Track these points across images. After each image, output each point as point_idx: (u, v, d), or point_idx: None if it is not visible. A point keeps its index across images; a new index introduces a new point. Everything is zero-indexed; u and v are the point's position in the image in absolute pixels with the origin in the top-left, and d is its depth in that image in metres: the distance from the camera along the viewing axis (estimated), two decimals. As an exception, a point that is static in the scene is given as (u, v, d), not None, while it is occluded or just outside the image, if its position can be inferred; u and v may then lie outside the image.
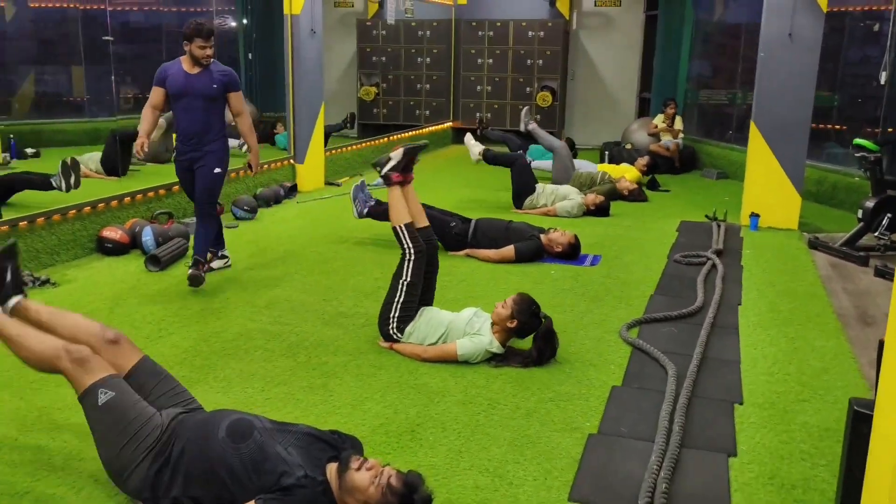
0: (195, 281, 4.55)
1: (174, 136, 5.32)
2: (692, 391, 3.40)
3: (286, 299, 4.59)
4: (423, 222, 3.95)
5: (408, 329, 3.80)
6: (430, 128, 11.58)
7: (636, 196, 7.88)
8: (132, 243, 5.45)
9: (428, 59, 11.85)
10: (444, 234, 5.60)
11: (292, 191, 7.71)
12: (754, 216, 6.56)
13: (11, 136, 8.12)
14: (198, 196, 4.75)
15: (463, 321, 3.78)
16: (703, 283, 4.99)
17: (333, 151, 8.89)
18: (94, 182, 6.57)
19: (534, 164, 8.97)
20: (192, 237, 5.06)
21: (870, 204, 5.72)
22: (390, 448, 2.90)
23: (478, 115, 10.56)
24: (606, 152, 10.18)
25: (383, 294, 4.00)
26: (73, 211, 5.23)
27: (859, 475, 2.16)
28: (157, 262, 5.06)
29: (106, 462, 2.46)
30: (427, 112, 11.90)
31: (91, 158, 7.44)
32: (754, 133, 6.60)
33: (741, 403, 3.33)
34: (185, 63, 4.63)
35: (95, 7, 9.21)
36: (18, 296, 2.82)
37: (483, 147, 7.28)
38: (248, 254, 5.56)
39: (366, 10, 12.10)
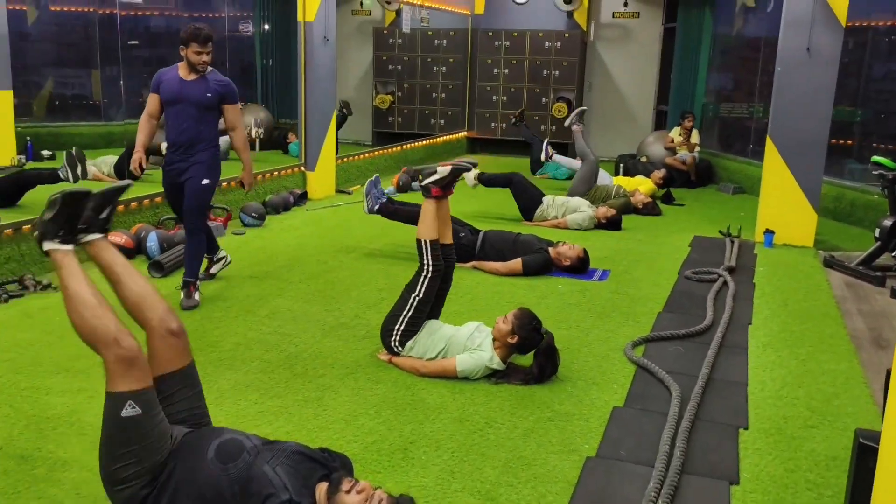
0: (189, 308, 4.43)
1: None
2: (696, 414, 3.30)
3: (288, 309, 4.53)
4: (447, 239, 3.88)
5: (409, 343, 3.74)
6: (445, 137, 11.54)
7: (650, 210, 7.77)
8: (137, 248, 5.42)
9: (444, 68, 11.81)
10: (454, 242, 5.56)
11: (302, 198, 7.67)
12: (769, 233, 6.44)
13: (28, 138, 8.17)
14: (186, 208, 4.55)
15: (464, 336, 3.71)
16: (714, 300, 4.88)
17: (345, 159, 8.86)
18: (103, 185, 6.56)
19: (556, 157, 8.84)
20: None
21: (887, 223, 5.58)
22: (381, 467, 2.82)
23: (521, 108, 10.92)
24: (621, 164, 10.08)
25: (386, 305, 3.94)
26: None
27: (864, 511, 2.07)
28: (160, 269, 5.04)
29: (104, 467, 2.39)
30: (442, 121, 11.86)
31: (104, 161, 7.46)
32: (770, 148, 6.48)
33: (746, 428, 3.22)
34: (181, 69, 4.49)
35: (111, 12, 9.28)
36: (99, 234, 2.52)
37: (477, 171, 7.23)
38: (253, 261, 5.52)
39: (383, 18, 12.09)
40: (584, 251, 5.52)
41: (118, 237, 5.39)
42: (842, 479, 2.77)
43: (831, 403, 3.49)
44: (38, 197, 5.76)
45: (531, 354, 3.66)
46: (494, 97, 11.91)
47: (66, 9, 9.77)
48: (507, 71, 11.77)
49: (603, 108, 12.08)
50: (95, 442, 2.87)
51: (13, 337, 3.95)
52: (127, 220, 5.67)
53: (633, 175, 9.34)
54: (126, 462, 2.28)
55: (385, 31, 11.83)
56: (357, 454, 2.87)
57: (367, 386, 3.51)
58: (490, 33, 11.78)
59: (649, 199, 7.87)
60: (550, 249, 5.55)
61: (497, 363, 3.61)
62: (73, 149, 5.54)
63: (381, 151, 9.88)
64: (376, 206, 5.68)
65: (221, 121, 4.66)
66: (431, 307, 3.81)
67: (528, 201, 7.10)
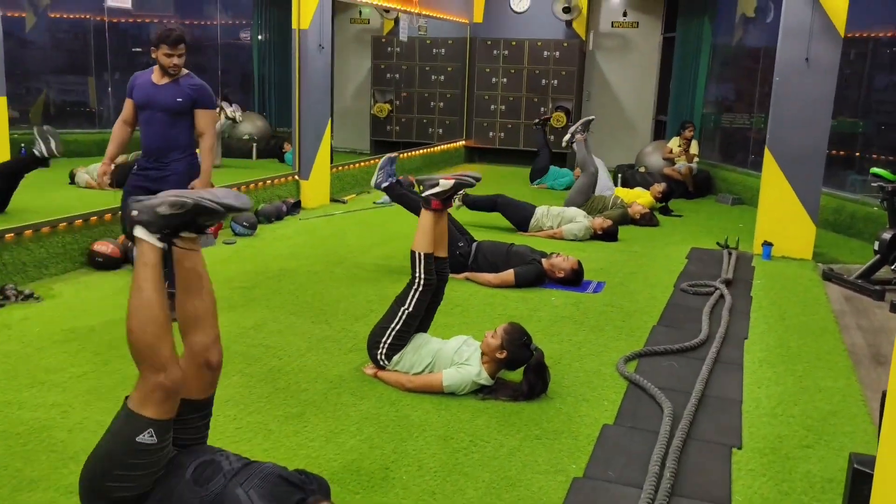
0: (174, 321, 4.29)
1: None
2: (688, 433, 3.20)
3: (274, 320, 4.44)
4: (442, 253, 3.79)
5: (395, 357, 3.64)
6: (443, 146, 11.47)
7: (647, 221, 7.69)
8: (124, 258, 5.34)
9: (442, 77, 11.76)
10: (450, 252, 5.47)
11: (295, 207, 7.59)
12: (767, 245, 6.35)
13: (23, 144, 8.10)
14: None
15: (451, 350, 3.61)
16: (710, 314, 4.79)
17: (340, 168, 8.78)
18: (95, 193, 6.49)
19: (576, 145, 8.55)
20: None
21: (886, 236, 5.49)
22: (360, 488, 2.73)
23: (542, 109, 11.14)
24: (619, 175, 9.99)
25: (374, 318, 3.85)
26: (64, 224, 5.14)
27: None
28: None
29: (93, 479, 2.27)
30: (440, 130, 11.79)
31: (98, 169, 7.39)
32: (768, 159, 6.40)
33: (740, 448, 3.12)
34: (155, 72, 4.31)
35: (111, 19, 9.24)
36: (195, 234, 2.30)
37: (462, 192, 7.17)
38: (241, 271, 5.43)
39: (381, 27, 12.04)
40: (579, 263, 5.44)
41: (105, 245, 5.32)
42: (837, 503, 2.68)
43: (828, 422, 3.39)
44: (31, 203, 5.70)
45: (521, 370, 3.57)
46: (493, 106, 11.85)
47: (65, 15, 9.74)
48: (505, 80, 11.72)
49: (601, 117, 11.96)
50: (65, 459, 2.81)
51: (-9, 348, 3.87)
52: (115, 229, 5.58)
53: (631, 186, 9.26)
54: (122, 483, 2.17)
55: (383, 40, 11.79)
56: (336, 474, 2.78)
57: (351, 402, 3.41)
58: (488, 42, 11.73)
59: (647, 210, 7.78)
60: (544, 261, 5.46)
61: (485, 378, 3.51)
62: (44, 125, 5.44)
63: (376, 160, 9.77)
64: (385, 183, 5.58)
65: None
66: (420, 321, 3.72)
67: (519, 217, 7.03)
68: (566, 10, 11.44)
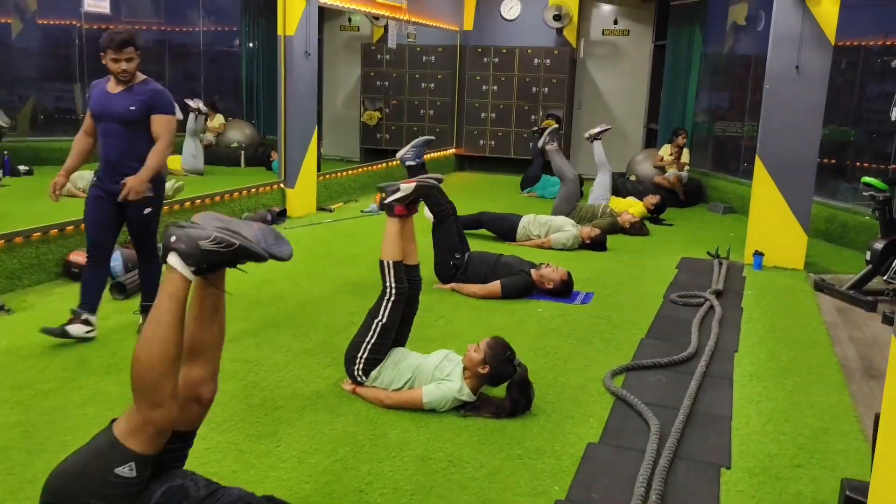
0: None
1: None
2: (675, 452, 3.09)
3: (252, 333, 4.32)
4: (412, 260, 3.68)
5: (373, 373, 3.52)
6: (433, 154, 11.36)
7: (637, 230, 7.59)
8: (102, 268, 5.20)
9: (432, 85, 11.66)
10: (444, 262, 5.40)
11: (281, 216, 7.48)
12: (758, 255, 6.26)
13: (6, 152, 7.98)
14: (134, 239, 4.24)
15: (432, 365, 3.50)
16: (699, 326, 4.69)
17: (328, 176, 8.67)
18: (75, 202, 6.36)
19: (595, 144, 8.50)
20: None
21: (878, 246, 5.41)
22: (332, 511, 2.61)
23: (533, 118, 11.16)
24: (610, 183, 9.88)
25: (356, 330, 3.73)
26: (38, 233, 5.01)
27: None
28: (122, 290, 4.83)
29: (57, 494, 2.14)
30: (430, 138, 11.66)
31: (81, 177, 7.25)
32: (759, 168, 6.31)
33: (729, 468, 3.02)
34: (111, 80, 4.02)
35: (97, 26, 9.11)
36: (225, 267, 2.21)
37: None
38: (222, 282, 5.30)
39: (371, 34, 11.95)
40: (568, 274, 5.33)
41: (81, 256, 5.17)
42: (829, 527, 2.58)
43: (819, 440, 3.29)
44: (12, 210, 5.57)
45: (504, 385, 3.46)
46: (483, 114, 11.77)
47: (52, 22, 9.61)
48: (495, 88, 11.63)
49: (593, 125, 11.86)
50: (23, 483, 2.69)
51: (-44, 363, 3.73)
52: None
53: (623, 195, 9.16)
54: None
55: (373, 47, 11.69)
56: (308, 497, 2.66)
57: (327, 419, 3.30)
58: (479, 49, 11.65)
59: (636, 219, 7.68)
60: (533, 271, 5.36)
61: (467, 394, 3.40)
62: None
63: (364, 168, 9.69)
64: (410, 161, 5.36)
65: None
66: (397, 333, 3.60)
67: (505, 228, 6.93)
68: (557, 17, 11.37)
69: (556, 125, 9.45)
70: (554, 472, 2.94)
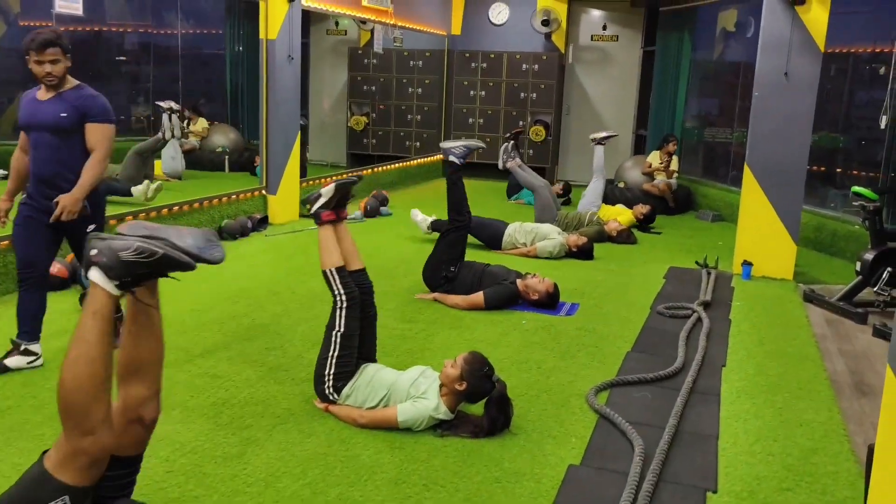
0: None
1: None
2: (660, 475, 2.97)
3: (225, 346, 4.18)
4: (355, 264, 3.57)
5: (345, 390, 3.39)
6: (420, 160, 11.25)
7: (625, 238, 7.48)
8: (72, 278, 5.06)
9: (419, 90, 11.55)
10: (437, 270, 5.29)
11: (262, 223, 7.33)
12: (746, 265, 6.16)
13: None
14: (79, 259, 3.93)
15: (407, 381, 3.37)
16: (686, 339, 4.57)
17: (312, 182, 8.52)
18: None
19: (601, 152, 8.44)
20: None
21: (868, 256, 5.31)
22: (297, 541, 2.47)
23: (521, 123, 11.15)
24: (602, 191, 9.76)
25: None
26: (6, 242, 4.85)
27: None
28: (92, 301, 4.66)
29: None
30: (417, 143, 11.56)
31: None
32: (748, 176, 6.21)
33: (715, 492, 2.90)
34: (42, 87, 3.70)
35: (87, 28, 8.96)
36: (152, 278, 2.07)
37: (432, 218, 7.04)
38: (195, 291, 5.14)
39: (358, 38, 11.83)
40: (555, 286, 5.20)
41: (55, 266, 5.02)
42: (819, 558, 2.46)
43: (809, 461, 3.17)
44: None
45: (482, 402, 3.34)
46: (471, 119, 11.65)
47: (32, 23, 9.43)
48: (483, 93, 11.53)
49: (581, 131, 11.82)
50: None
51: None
52: (63, 249, 5.29)
53: (611, 202, 9.05)
54: None
55: (360, 51, 11.57)
56: (271, 525, 2.52)
57: (297, 439, 3.16)
58: (467, 54, 11.54)
59: (624, 228, 7.57)
60: (519, 281, 5.23)
61: (444, 412, 3.27)
62: None
63: (350, 174, 9.53)
64: (455, 159, 5.51)
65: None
66: (360, 344, 3.47)
67: (490, 236, 6.81)
68: (545, 22, 11.28)
69: (521, 130, 9.49)
70: (533, 496, 2.81)
